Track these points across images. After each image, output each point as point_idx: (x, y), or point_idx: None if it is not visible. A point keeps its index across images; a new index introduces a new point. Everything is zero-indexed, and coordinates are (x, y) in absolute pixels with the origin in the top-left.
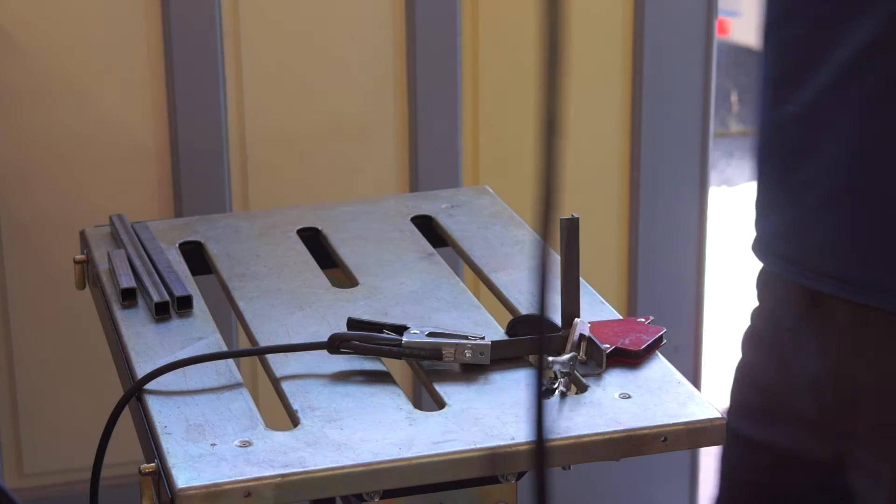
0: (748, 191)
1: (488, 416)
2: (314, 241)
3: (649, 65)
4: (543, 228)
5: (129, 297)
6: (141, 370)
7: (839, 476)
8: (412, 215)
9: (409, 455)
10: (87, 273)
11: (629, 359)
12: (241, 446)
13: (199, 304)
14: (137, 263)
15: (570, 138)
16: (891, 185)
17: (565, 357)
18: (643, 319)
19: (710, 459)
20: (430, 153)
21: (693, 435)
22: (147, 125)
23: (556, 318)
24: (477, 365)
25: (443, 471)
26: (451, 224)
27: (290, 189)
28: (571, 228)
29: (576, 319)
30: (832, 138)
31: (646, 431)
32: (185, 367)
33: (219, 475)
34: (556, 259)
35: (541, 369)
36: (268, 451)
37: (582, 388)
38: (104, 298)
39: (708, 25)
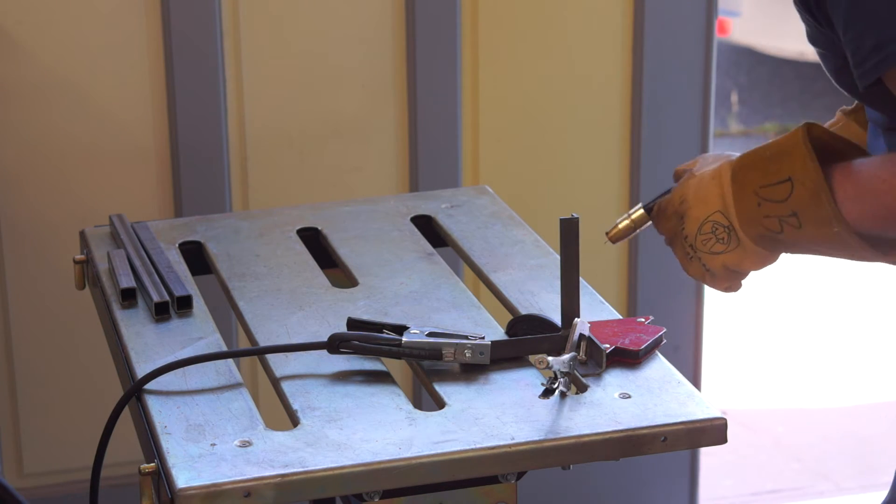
0: None
1: (488, 416)
2: (314, 241)
3: (649, 65)
4: None
5: (129, 297)
6: (141, 370)
7: None
8: (412, 215)
9: (409, 455)
10: (87, 273)
11: (629, 359)
12: (241, 446)
13: (199, 304)
14: (137, 263)
15: (570, 138)
16: None
17: (565, 357)
18: (643, 319)
19: (710, 459)
20: (430, 153)
21: (693, 434)
22: (147, 125)
23: (556, 318)
24: (477, 365)
25: (443, 471)
26: (451, 224)
27: (290, 189)
28: (571, 228)
29: (576, 319)
30: None
31: (646, 431)
32: (185, 367)
33: (219, 475)
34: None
35: None
36: (268, 451)
37: (582, 388)
38: (104, 298)
39: (708, 25)
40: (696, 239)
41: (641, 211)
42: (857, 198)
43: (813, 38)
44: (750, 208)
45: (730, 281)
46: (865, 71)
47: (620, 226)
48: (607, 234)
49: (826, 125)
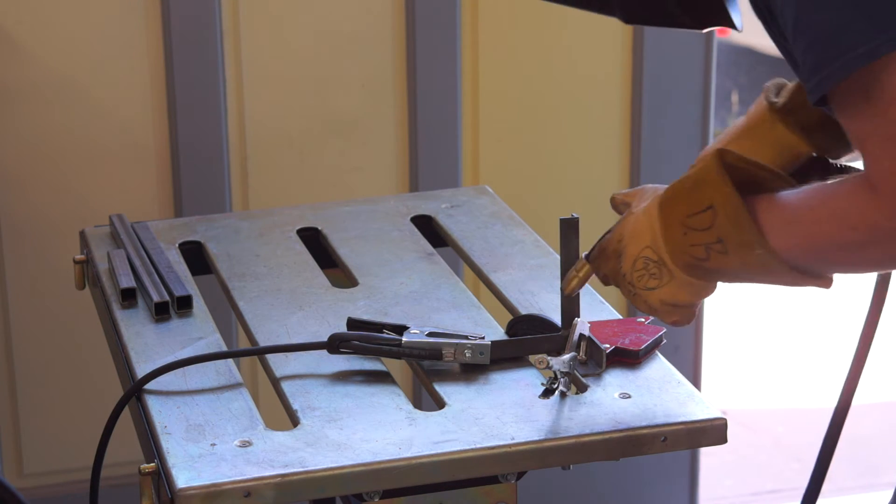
0: None
1: (488, 416)
2: (314, 241)
3: (649, 65)
4: None
5: (129, 297)
6: (141, 370)
7: None
8: (412, 215)
9: (409, 455)
10: (87, 273)
11: (629, 359)
12: (241, 446)
13: (199, 304)
14: (137, 263)
15: (570, 138)
16: None
17: (565, 357)
18: (643, 319)
19: (710, 459)
20: (430, 153)
21: (693, 435)
22: (147, 125)
23: (556, 318)
24: (477, 365)
25: (443, 471)
26: (451, 224)
27: (290, 189)
28: (571, 228)
29: (576, 319)
30: None
31: (646, 431)
32: (185, 367)
33: (219, 475)
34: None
35: None
36: (268, 451)
37: (582, 388)
38: (104, 298)
39: None
40: (632, 276)
41: (587, 266)
42: (784, 228)
43: (785, 56)
44: (676, 238)
45: (676, 315)
46: (809, 89)
47: (573, 283)
48: (563, 289)
49: (748, 115)
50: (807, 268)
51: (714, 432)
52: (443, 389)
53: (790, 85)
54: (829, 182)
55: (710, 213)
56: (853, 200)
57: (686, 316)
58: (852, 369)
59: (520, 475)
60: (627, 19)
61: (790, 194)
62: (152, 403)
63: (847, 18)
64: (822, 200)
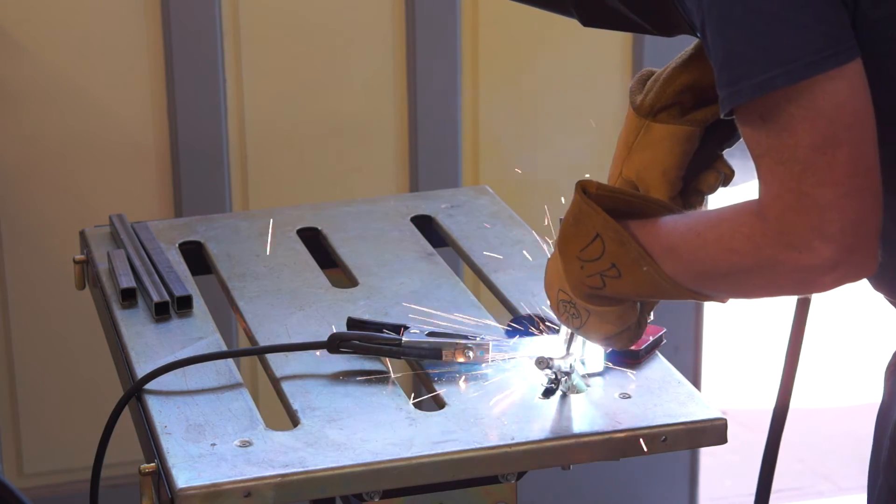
0: (747, 191)
1: (488, 416)
2: (314, 241)
3: (649, 65)
4: None
5: (129, 297)
6: (141, 370)
7: None
8: (412, 215)
9: (409, 455)
10: (87, 273)
11: (629, 359)
12: (241, 446)
13: (199, 304)
14: (137, 263)
15: (569, 137)
16: None
17: (566, 357)
18: None
19: (709, 459)
20: (430, 153)
21: (693, 435)
22: (147, 125)
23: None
24: (477, 365)
25: (443, 471)
26: (451, 224)
27: (290, 189)
28: None
29: None
30: None
31: (646, 431)
32: (185, 367)
33: (219, 475)
34: None
35: None
36: (268, 451)
37: (582, 389)
38: (104, 298)
39: None
40: (562, 320)
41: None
42: (667, 255)
43: None
44: (576, 274)
45: (616, 343)
46: (721, 100)
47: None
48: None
49: (623, 128)
50: (696, 290)
51: (714, 432)
52: (443, 389)
53: (658, 72)
54: (714, 208)
55: (599, 242)
56: (738, 224)
57: (628, 339)
58: (783, 382)
59: (520, 475)
60: (585, 21)
61: (675, 219)
62: (152, 403)
63: (743, 49)
64: (708, 224)
